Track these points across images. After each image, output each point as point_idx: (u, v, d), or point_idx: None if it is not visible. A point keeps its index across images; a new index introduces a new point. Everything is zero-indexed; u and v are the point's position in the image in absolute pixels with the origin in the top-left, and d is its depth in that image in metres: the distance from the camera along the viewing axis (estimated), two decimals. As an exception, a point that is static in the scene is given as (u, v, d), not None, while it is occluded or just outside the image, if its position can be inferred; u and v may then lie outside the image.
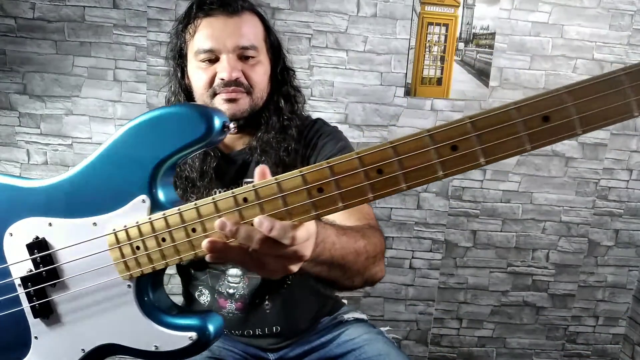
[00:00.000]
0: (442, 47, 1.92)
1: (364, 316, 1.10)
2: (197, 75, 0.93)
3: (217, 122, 0.61)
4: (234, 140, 1.00)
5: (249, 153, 0.98)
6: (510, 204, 2.07)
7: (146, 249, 0.63)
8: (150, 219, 0.62)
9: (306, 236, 0.55)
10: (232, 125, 0.64)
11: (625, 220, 2.11)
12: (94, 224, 0.66)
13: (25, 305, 0.69)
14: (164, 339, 0.65)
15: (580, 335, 2.22)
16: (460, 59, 1.93)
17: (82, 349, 0.68)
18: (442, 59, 1.93)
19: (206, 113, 0.62)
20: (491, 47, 1.93)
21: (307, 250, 0.56)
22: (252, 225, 0.54)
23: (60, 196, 0.69)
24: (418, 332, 2.16)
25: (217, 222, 0.55)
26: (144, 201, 0.64)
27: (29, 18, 1.79)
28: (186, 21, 0.95)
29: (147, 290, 0.66)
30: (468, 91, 1.96)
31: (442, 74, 1.94)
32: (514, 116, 0.47)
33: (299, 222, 0.54)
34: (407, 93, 1.95)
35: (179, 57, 0.98)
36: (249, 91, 0.92)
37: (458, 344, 2.19)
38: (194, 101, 0.97)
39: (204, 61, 0.92)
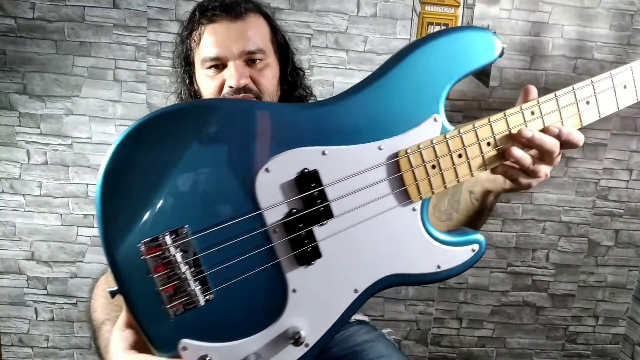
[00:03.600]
0: (442, 47, 1.92)
1: (365, 318, 1.10)
2: (206, 83, 0.92)
3: (498, 55, 0.64)
4: None
5: None
6: (510, 204, 2.07)
7: (441, 168, 0.63)
8: (446, 137, 0.63)
9: None
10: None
11: (625, 220, 2.11)
12: (379, 148, 0.61)
13: (285, 255, 0.59)
14: (447, 257, 0.65)
15: (580, 335, 2.22)
16: (460, 59, 1.93)
17: (355, 290, 0.61)
18: (442, 59, 1.92)
19: (495, 37, 0.64)
20: (491, 47, 1.93)
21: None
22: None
23: (336, 120, 0.61)
24: (418, 332, 2.16)
25: (525, 132, 0.63)
26: (436, 120, 0.63)
27: (29, 18, 1.79)
28: (190, 28, 0.93)
29: (425, 212, 0.64)
30: (468, 91, 1.96)
31: (442, 74, 1.94)
32: None
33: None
34: (407, 93, 1.94)
35: (186, 65, 0.97)
36: (258, 96, 0.91)
37: (458, 344, 2.19)
38: None
39: (210, 68, 0.91)
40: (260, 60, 0.91)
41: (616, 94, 0.68)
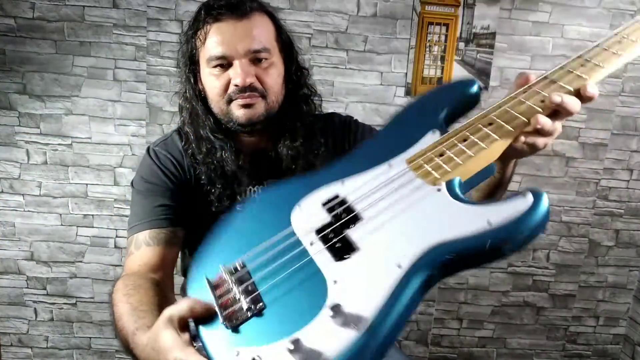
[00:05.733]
0: (443, 47, 1.92)
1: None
2: (211, 82, 0.92)
3: (475, 88, 0.76)
4: (256, 144, 1.00)
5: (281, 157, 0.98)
6: (511, 204, 2.07)
7: (451, 153, 0.68)
8: (445, 134, 0.72)
9: None
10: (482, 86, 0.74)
11: (626, 220, 2.11)
12: (390, 165, 0.72)
13: (322, 259, 0.64)
14: (494, 210, 0.58)
15: (581, 335, 2.22)
16: (460, 58, 1.93)
17: (398, 265, 0.60)
18: (443, 59, 1.93)
19: (469, 82, 0.77)
20: (491, 46, 1.93)
21: None
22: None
23: (347, 162, 0.76)
24: (418, 333, 2.16)
25: (554, 97, 0.64)
26: (434, 132, 0.74)
27: (29, 18, 1.79)
28: (195, 27, 0.93)
29: (454, 188, 0.65)
30: (468, 91, 1.96)
31: (442, 73, 1.94)
32: None
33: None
34: (408, 93, 1.95)
35: (191, 64, 0.97)
36: (263, 95, 0.91)
37: (458, 345, 2.18)
38: (209, 106, 0.96)
39: (216, 67, 0.91)
40: (266, 59, 0.92)
41: None
